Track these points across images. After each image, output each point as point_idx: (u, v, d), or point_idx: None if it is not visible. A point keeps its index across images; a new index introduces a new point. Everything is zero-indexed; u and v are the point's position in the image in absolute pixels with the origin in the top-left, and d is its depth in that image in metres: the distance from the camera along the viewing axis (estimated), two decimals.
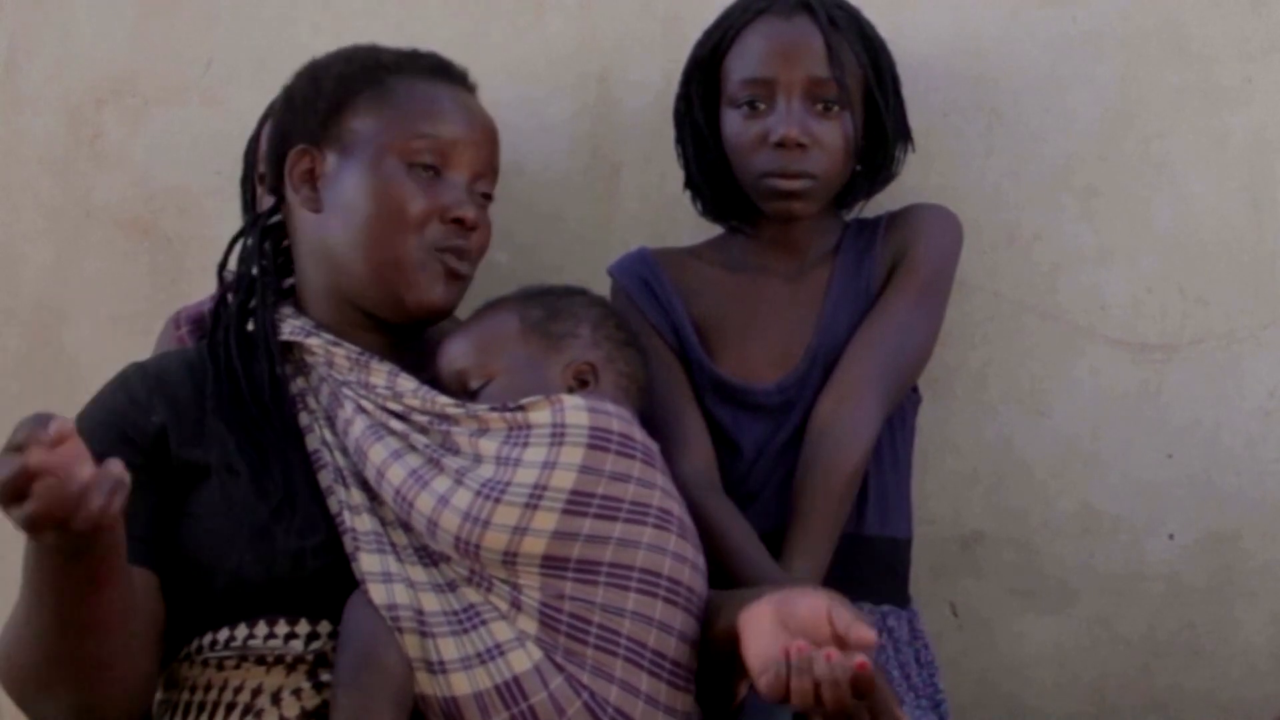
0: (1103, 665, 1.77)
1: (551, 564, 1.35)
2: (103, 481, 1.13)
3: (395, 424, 1.44)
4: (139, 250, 2.14)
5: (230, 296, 1.56)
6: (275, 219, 1.61)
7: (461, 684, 1.32)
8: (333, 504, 1.43)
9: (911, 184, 1.78)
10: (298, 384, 1.52)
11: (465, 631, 1.35)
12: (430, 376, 1.51)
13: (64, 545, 1.19)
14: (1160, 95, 1.78)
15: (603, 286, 1.71)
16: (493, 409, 1.42)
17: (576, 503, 1.35)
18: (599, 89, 1.96)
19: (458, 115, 1.56)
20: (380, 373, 1.48)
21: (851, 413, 1.59)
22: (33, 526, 1.14)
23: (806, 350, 1.67)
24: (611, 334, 1.53)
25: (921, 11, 1.84)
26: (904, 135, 1.74)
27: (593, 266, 1.78)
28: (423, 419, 1.44)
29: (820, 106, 1.65)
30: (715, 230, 1.80)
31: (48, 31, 2.20)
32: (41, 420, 1.12)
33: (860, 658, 1.16)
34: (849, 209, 1.77)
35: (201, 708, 1.41)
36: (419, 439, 1.42)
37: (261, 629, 1.40)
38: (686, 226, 1.84)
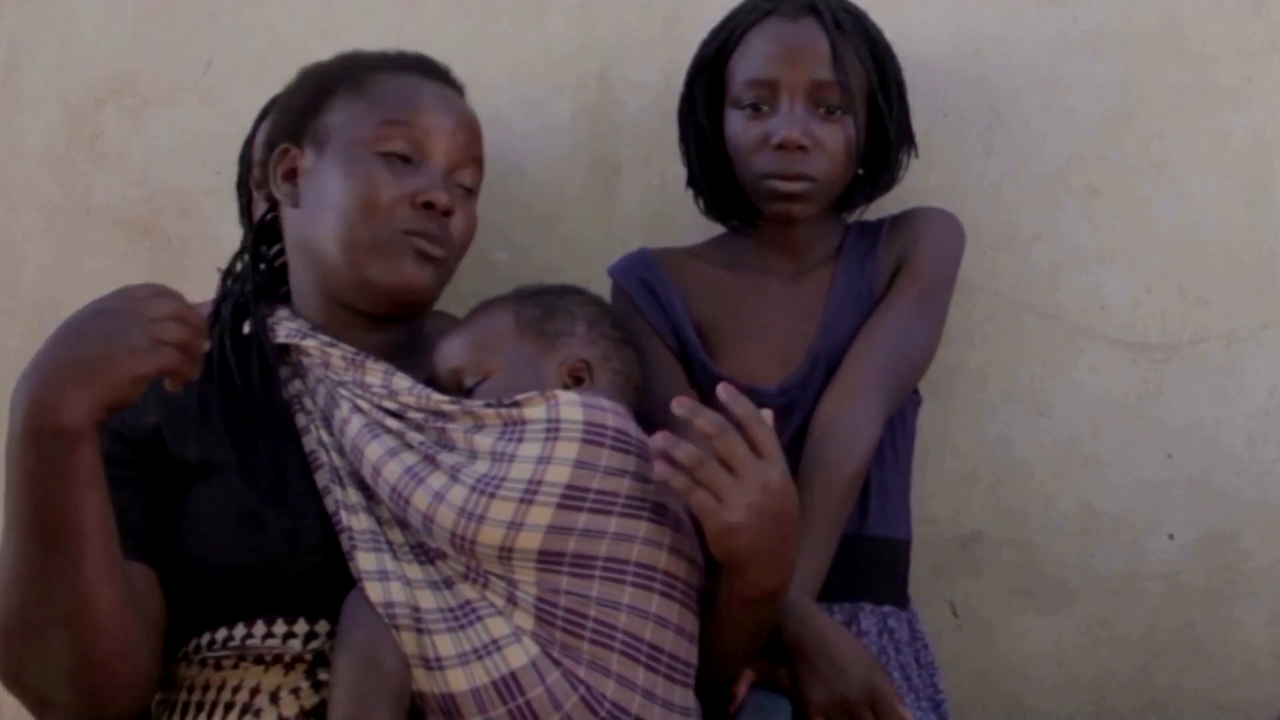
0: (1103, 665, 1.77)
1: (547, 559, 1.34)
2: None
3: (391, 422, 1.44)
4: (139, 250, 2.14)
5: (226, 300, 1.57)
6: (269, 216, 1.62)
7: (459, 680, 1.32)
8: (329, 503, 1.42)
9: (912, 184, 1.78)
10: (294, 386, 1.52)
11: (462, 628, 1.34)
12: (427, 377, 1.51)
13: (73, 441, 1.24)
14: (1160, 95, 1.79)
15: (603, 286, 1.70)
16: (488, 405, 1.42)
17: (571, 497, 1.35)
18: (599, 89, 1.96)
19: (433, 106, 1.56)
20: (376, 372, 1.49)
21: (854, 414, 1.59)
22: (173, 372, 1.27)
23: (809, 352, 1.66)
24: (607, 332, 1.53)
25: (921, 12, 1.84)
26: (907, 140, 1.74)
27: (592, 266, 1.78)
28: (418, 416, 1.44)
29: (823, 109, 1.64)
30: (715, 230, 1.80)
31: (48, 31, 2.21)
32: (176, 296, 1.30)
33: None
34: (850, 212, 1.77)
35: (200, 707, 1.41)
36: (415, 436, 1.42)
37: (260, 628, 1.40)
38: (686, 226, 1.84)
